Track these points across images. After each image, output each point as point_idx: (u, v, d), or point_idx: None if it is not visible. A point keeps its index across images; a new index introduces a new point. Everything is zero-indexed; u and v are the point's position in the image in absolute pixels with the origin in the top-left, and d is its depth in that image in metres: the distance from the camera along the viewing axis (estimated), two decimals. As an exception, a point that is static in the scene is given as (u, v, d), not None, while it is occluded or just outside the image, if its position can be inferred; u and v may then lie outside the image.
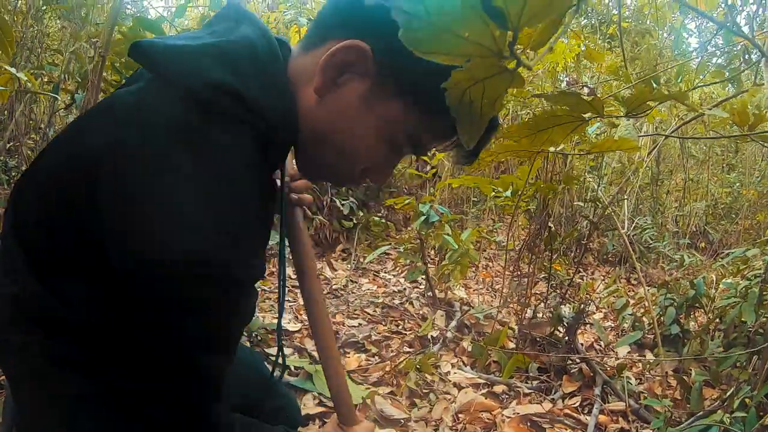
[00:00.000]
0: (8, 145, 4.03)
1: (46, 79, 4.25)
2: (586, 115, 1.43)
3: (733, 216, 7.98)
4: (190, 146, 0.91)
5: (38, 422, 1.17)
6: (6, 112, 4.33)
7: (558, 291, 3.54)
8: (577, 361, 3.17)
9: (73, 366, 1.10)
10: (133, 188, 0.89)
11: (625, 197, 4.15)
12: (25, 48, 4.69)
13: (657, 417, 2.66)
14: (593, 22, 7.35)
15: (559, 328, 3.37)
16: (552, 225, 3.43)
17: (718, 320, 3.34)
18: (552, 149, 2.58)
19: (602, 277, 5.73)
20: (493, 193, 3.51)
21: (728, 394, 2.50)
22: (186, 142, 0.92)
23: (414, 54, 0.93)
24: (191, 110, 0.94)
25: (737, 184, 8.27)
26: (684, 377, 2.89)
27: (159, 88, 0.98)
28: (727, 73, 3.35)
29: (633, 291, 5.31)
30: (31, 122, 4.76)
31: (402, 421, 2.48)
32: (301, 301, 3.86)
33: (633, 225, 5.78)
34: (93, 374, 1.10)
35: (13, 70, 2.46)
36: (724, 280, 3.94)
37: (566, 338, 3.31)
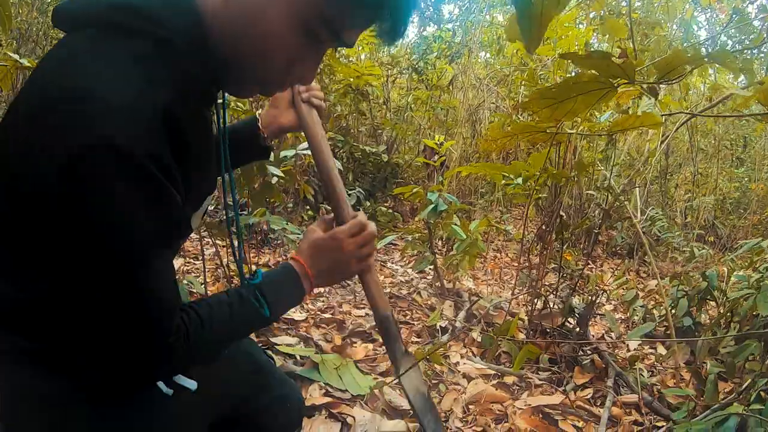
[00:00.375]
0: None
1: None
2: (615, 82, 1.36)
3: (742, 211, 7.90)
4: (94, 56, 0.97)
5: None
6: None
7: (569, 281, 3.46)
8: (589, 352, 3.10)
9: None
10: (43, 87, 0.96)
11: (637, 186, 4.06)
12: (30, 40, 4.65)
13: (678, 407, 2.61)
14: (603, 12, 7.27)
15: (569, 319, 3.30)
16: (563, 214, 3.35)
17: (729, 313, 3.27)
18: (572, 131, 2.51)
19: (611, 270, 5.66)
20: (503, 181, 3.44)
21: (744, 386, 2.43)
22: (90, 53, 0.97)
23: None
24: (92, 32, 0.99)
25: (745, 179, 8.20)
26: (698, 369, 2.83)
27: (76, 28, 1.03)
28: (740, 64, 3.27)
29: (642, 283, 5.24)
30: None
31: (411, 411, 2.41)
32: (306, 291, 3.81)
33: (645, 216, 5.70)
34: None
35: (16, 56, 2.44)
36: (735, 273, 3.86)
37: (577, 329, 3.24)
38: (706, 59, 1.30)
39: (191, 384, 1.29)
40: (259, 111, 1.74)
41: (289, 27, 1.04)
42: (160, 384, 1.23)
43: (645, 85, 1.51)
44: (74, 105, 0.90)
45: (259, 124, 1.68)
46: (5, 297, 1.06)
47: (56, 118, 0.90)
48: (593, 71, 1.37)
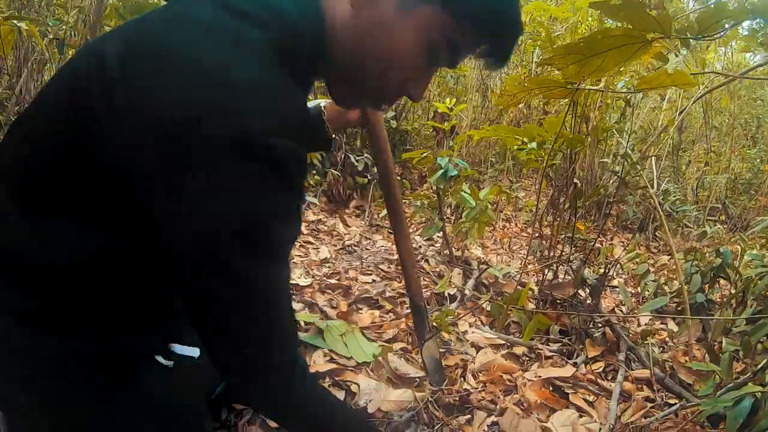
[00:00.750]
0: (16, 108, 3.87)
1: (51, 36, 4.06)
2: (649, 36, 1.27)
3: (753, 192, 7.81)
4: (219, 39, 0.90)
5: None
6: (16, 77, 4.17)
7: (581, 252, 3.39)
8: (601, 324, 3.03)
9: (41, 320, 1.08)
10: (161, 69, 0.87)
11: (653, 155, 3.97)
12: (32, 11, 4.57)
13: (690, 385, 2.55)
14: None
15: (580, 291, 3.22)
16: (578, 181, 3.27)
17: (741, 293, 3.20)
18: (593, 87, 2.41)
19: (622, 244, 5.60)
20: (516, 146, 3.36)
21: (759, 366, 2.37)
22: (214, 35, 0.90)
23: None
24: (217, 11, 0.93)
25: (758, 160, 8.10)
26: (712, 347, 2.77)
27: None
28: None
29: (653, 258, 5.18)
30: (39, 84, 4.57)
31: (417, 379, 2.34)
32: (312, 257, 3.76)
33: (660, 189, 5.63)
34: (62, 331, 1.09)
35: (13, 21, 2.41)
36: (748, 252, 3.80)
37: (588, 301, 3.17)
38: (750, 12, 1.20)
39: (193, 352, 1.27)
40: (323, 103, 1.72)
41: (415, 45, 1.07)
42: (159, 357, 1.22)
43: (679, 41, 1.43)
44: (219, 89, 0.85)
45: (324, 117, 1.69)
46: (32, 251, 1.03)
47: (198, 101, 0.84)
48: (626, 23, 1.29)
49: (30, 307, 1.06)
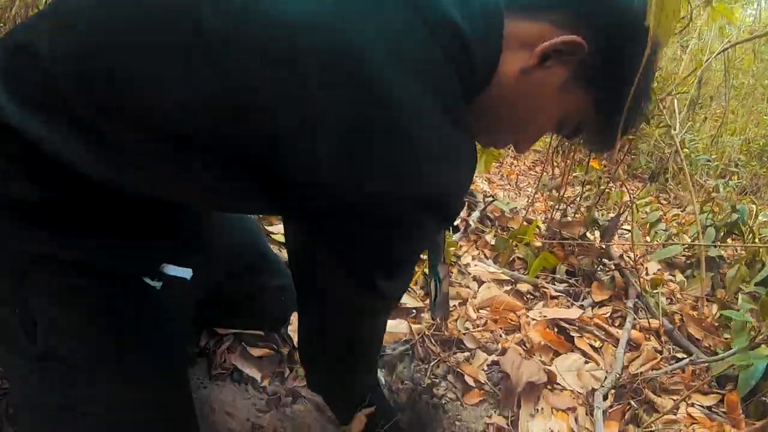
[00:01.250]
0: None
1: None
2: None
3: (765, 159, 7.62)
4: (424, 76, 0.90)
5: None
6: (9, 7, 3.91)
7: (594, 190, 3.21)
8: (608, 269, 2.87)
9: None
10: (364, 118, 0.86)
11: (677, 93, 3.76)
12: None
13: (698, 340, 2.41)
14: None
15: (588, 233, 3.04)
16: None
17: (752, 256, 3.04)
18: None
19: (631, 193, 5.43)
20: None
21: (777, 329, 2.24)
22: (421, 72, 0.89)
23: (618, 53, 1.02)
24: (430, 46, 0.91)
25: (773, 126, 7.92)
26: (726, 302, 2.63)
27: (404, 13, 0.91)
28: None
29: (662, 210, 5.02)
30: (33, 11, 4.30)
31: (414, 311, 2.19)
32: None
33: (680, 132, 5.45)
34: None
35: None
36: (763, 212, 3.67)
37: (597, 244, 2.99)
38: None
39: (185, 273, 1.22)
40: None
41: (552, 120, 1.13)
42: (146, 279, 1.18)
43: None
44: (410, 146, 0.88)
45: None
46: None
47: (387, 149, 0.87)
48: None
49: (39, 202, 0.97)
